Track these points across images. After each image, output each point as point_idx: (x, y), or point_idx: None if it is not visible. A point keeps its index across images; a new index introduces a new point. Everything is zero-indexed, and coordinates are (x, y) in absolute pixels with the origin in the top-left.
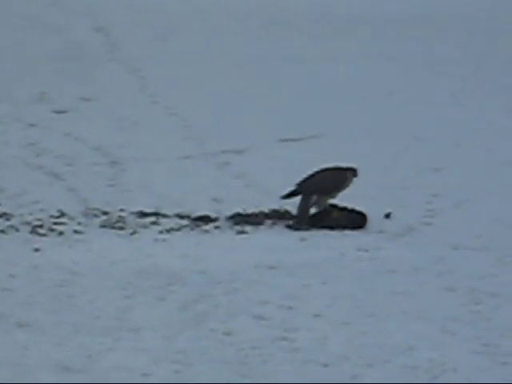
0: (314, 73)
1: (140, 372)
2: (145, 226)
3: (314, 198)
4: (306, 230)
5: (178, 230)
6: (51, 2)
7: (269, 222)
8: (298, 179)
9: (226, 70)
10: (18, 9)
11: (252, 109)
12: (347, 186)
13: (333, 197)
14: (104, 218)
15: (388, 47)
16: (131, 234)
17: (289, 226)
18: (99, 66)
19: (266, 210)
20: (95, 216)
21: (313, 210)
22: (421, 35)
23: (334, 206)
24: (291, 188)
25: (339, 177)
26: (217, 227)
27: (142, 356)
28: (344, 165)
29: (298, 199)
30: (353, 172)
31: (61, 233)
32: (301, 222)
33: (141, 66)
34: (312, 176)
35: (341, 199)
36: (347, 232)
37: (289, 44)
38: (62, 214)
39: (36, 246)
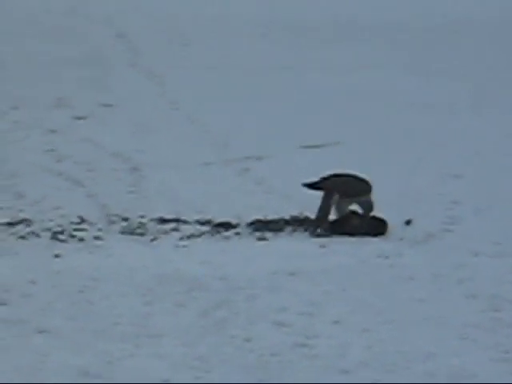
0: (336, 80)
1: (160, 378)
2: (165, 233)
3: (336, 197)
4: (325, 232)
5: (199, 236)
6: (72, 9)
7: (289, 228)
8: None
9: (246, 75)
10: (40, 16)
11: (272, 115)
12: (365, 201)
13: (351, 202)
14: (124, 224)
15: (408, 55)
16: (151, 240)
17: (307, 229)
18: (119, 72)
19: (287, 217)
20: (115, 222)
21: (333, 216)
22: (439, 43)
23: (354, 213)
24: (315, 179)
25: (363, 187)
26: (237, 234)
27: (162, 362)
28: (368, 179)
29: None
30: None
31: (81, 239)
32: (322, 219)
33: (161, 72)
34: (337, 175)
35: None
36: (367, 239)
37: (311, 51)
38: (83, 220)
39: (56, 252)
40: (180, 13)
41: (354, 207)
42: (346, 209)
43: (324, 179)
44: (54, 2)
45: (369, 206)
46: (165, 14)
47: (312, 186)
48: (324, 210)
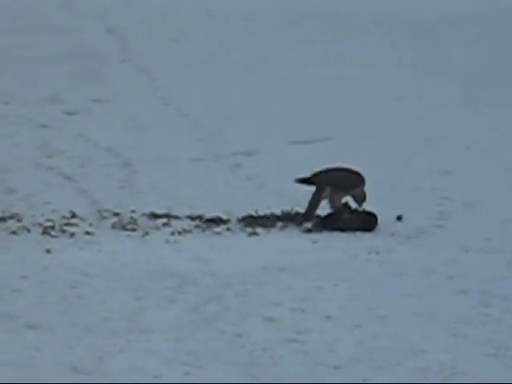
0: (326, 75)
1: (151, 373)
2: (156, 228)
3: (327, 190)
4: (313, 225)
5: (190, 231)
6: (63, 3)
7: (280, 223)
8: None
9: (237, 71)
10: (30, 10)
11: (263, 111)
12: (358, 192)
13: (345, 195)
14: (115, 219)
15: (399, 50)
16: (142, 235)
17: (298, 223)
18: (111, 67)
19: (278, 212)
20: (106, 217)
21: (326, 211)
22: (432, 38)
23: (346, 206)
24: (307, 174)
25: (355, 179)
26: (228, 229)
27: (153, 357)
28: (360, 171)
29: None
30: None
31: (72, 234)
32: (309, 214)
33: (152, 68)
34: (329, 170)
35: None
36: (359, 234)
37: (300, 46)
38: (74, 216)
39: (47, 247)
40: (172, 8)
41: (348, 199)
42: (339, 202)
43: (316, 174)
44: None
45: (362, 197)
46: (156, 8)
47: (304, 181)
48: (312, 205)
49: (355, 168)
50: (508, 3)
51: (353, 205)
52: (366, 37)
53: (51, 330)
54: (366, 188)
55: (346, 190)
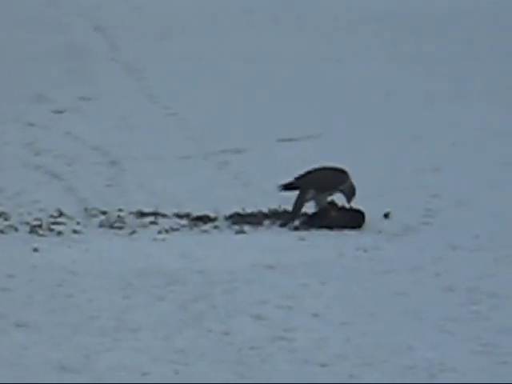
0: (313, 72)
1: (139, 372)
2: (144, 226)
3: (311, 193)
4: (300, 223)
5: (177, 229)
6: (50, 1)
7: (267, 221)
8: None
9: (224, 69)
10: (17, 8)
11: (251, 108)
12: (345, 188)
13: (330, 195)
14: (103, 217)
15: (386, 46)
16: (130, 233)
17: (282, 224)
18: (98, 65)
19: (265, 210)
20: (94, 216)
21: (312, 209)
22: (419, 33)
23: (333, 204)
24: (290, 180)
25: (339, 177)
26: (216, 227)
27: (141, 356)
28: (343, 167)
29: (294, 196)
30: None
31: (59, 233)
32: (293, 216)
33: (140, 66)
34: (311, 172)
35: (339, 199)
36: (346, 232)
37: (288, 43)
38: (61, 214)
39: (35, 245)
40: (160, 5)
41: (335, 197)
42: (324, 201)
43: (298, 178)
44: None
45: (351, 191)
46: (144, 6)
47: (287, 186)
48: (294, 209)
49: (338, 165)
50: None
51: (340, 202)
52: (353, 33)
53: (39, 329)
54: (353, 181)
55: (331, 189)
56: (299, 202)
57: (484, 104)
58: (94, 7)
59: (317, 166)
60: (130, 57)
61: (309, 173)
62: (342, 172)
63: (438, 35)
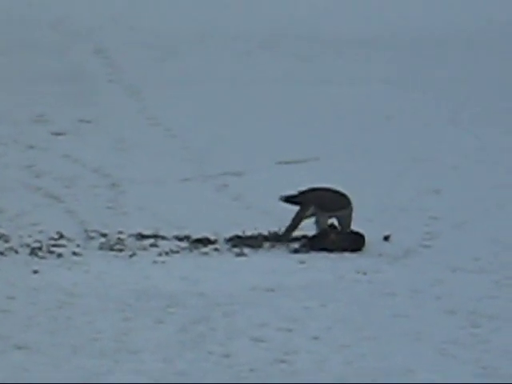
0: (313, 95)
1: None
2: (144, 248)
3: (311, 210)
4: (300, 246)
5: (177, 252)
6: (51, 23)
7: (267, 244)
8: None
9: (224, 92)
10: (18, 30)
11: (250, 131)
12: (344, 215)
13: (330, 217)
14: (103, 240)
15: (385, 69)
16: (130, 256)
17: (277, 239)
18: (98, 87)
19: (265, 233)
20: (94, 238)
21: (312, 231)
22: (419, 57)
23: (333, 228)
24: (293, 192)
25: (341, 201)
26: (215, 249)
27: (141, 378)
28: (347, 194)
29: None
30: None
31: (59, 255)
32: (289, 229)
33: (140, 88)
34: (315, 189)
35: None
36: (346, 254)
37: (287, 66)
38: (61, 236)
39: (35, 267)
40: (160, 28)
41: (333, 221)
42: (325, 223)
43: (302, 193)
44: (33, 16)
45: (346, 222)
46: (144, 29)
47: (289, 199)
48: (292, 223)
49: (342, 190)
50: (495, 22)
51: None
52: (353, 56)
53: (39, 351)
54: (353, 211)
55: (331, 212)
56: (298, 217)
57: (484, 127)
58: (94, 29)
59: (320, 186)
60: (130, 79)
61: (313, 190)
62: (346, 198)
63: (438, 58)
